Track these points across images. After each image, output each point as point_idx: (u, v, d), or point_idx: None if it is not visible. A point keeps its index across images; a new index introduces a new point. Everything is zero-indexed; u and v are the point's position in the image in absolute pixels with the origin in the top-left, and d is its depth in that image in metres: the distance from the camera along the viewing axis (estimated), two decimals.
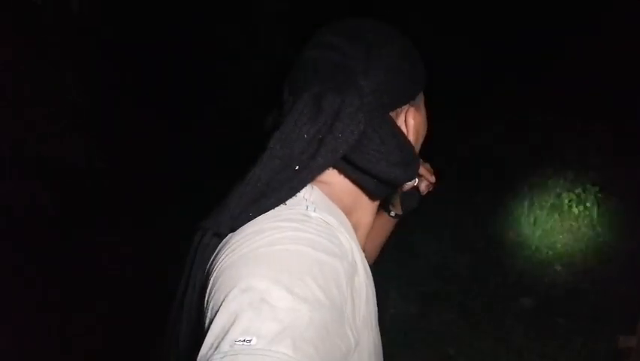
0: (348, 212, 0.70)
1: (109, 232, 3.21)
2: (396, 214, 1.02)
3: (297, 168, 0.63)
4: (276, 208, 0.63)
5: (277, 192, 0.63)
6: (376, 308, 0.69)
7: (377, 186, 0.69)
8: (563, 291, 3.36)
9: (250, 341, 0.47)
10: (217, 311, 0.51)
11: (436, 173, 1.01)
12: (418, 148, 0.75)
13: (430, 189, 1.03)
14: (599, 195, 3.95)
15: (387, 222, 1.03)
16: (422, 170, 0.97)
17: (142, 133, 3.60)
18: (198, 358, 0.49)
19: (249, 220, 0.62)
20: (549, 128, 4.27)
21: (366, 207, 0.74)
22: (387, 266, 3.57)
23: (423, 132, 0.76)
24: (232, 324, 0.49)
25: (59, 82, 2.66)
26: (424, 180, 1.00)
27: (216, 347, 0.48)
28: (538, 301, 3.28)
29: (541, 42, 4.16)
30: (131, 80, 3.44)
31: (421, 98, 0.74)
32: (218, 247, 0.62)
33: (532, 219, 4.06)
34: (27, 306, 2.68)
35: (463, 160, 4.44)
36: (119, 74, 3.27)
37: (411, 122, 0.70)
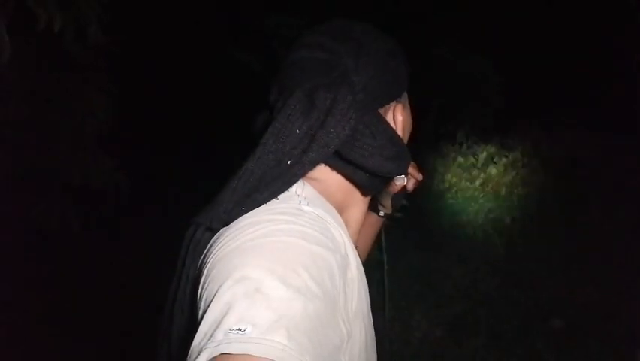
0: (339, 209, 0.71)
1: (130, 250, 3.26)
2: (385, 214, 1.04)
3: (289, 162, 0.64)
4: (269, 202, 0.63)
5: (270, 186, 0.63)
6: (369, 304, 0.69)
7: (370, 180, 0.70)
8: (596, 312, 3.23)
9: (245, 329, 0.46)
10: (211, 301, 0.51)
11: (421, 170, 1.02)
12: (405, 141, 0.76)
13: (416, 186, 1.04)
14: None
15: (376, 222, 1.05)
16: (410, 169, 0.98)
17: (165, 154, 3.67)
18: (192, 347, 0.48)
19: (242, 214, 0.62)
20: None
21: (358, 203, 0.75)
22: (414, 288, 3.53)
23: (409, 129, 0.78)
24: (226, 313, 0.48)
25: (83, 107, 2.73)
26: (411, 179, 1.01)
27: (210, 336, 0.47)
28: (570, 323, 3.16)
29: None
30: (152, 103, 3.52)
31: (405, 97, 0.77)
32: (211, 241, 0.61)
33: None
34: (60, 311, 2.78)
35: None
36: (141, 98, 3.35)
37: (399, 118, 0.72)
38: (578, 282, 3.49)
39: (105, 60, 2.72)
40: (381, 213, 1.04)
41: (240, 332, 0.46)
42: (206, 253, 0.61)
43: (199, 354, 0.47)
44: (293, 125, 0.63)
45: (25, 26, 1.83)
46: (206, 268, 0.57)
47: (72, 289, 3.03)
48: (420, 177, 1.01)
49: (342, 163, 0.68)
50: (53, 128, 2.66)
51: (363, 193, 0.75)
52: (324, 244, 0.59)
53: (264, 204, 0.63)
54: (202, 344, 0.47)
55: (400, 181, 0.87)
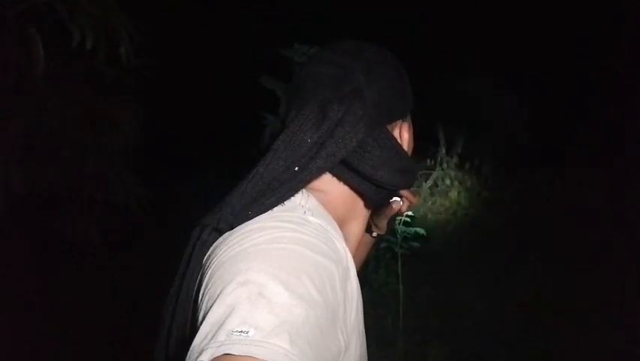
0: (340, 222, 0.72)
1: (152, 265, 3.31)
2: (377, 234, 1.04)
3: (296, 169, 0.66)
4: (276, 210, 0.64)
5: (277, 191, 0.65)
6: (363, 319, 0.69)
7: (377, 192, 0.72)
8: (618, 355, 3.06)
9: (247, 332, 0.47)
10: (213, 303, 0.51)
11: (414, 193, 1.03)
12: None
13: (408, 209, 1.03)
14: None
15: (369, 243, 1.05)
16: (405, 191, 0.98)
17: (190, 174, 3.75)
18: (192, 346, 0.48)
19: (248, 219, 0.63)
20: None
21: (358, 218, 0.76)
22: (430, 322, 3.43)
23: (410, 149, 0.79)
24: (229, 315, 0.49)
25: (111, 125, 2.83)
26: (406, 201, 1.01)
27: (212, 337, 0.47)
28: None
29: None
30: (179, 125, 3.63)
31: (409, 117, 0.79)
32: (216, 243, 0.62)
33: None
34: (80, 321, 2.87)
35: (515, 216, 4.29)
36: (169, 119, 3.46)
37: (405, 136, 0.75)
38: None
39: (134, 80, 2.83)
40: (374, 234, 1.04)
41: (242, 333, 0.47)
42: (210, 255, 0.62)
43: (200, 353, 0.47)
44: (305, 135, 0.66)
45: (60, 43, 1.94)
46: (210, 271, 0.57)
47: (92, 300, 3.09)
48: (414, 200, 1.02)
49: (350, 174, 0.70)
50: (81, 144, 2.76)
51: (366, 206, 0.76)
52: (328, 254, 0.60)
53: (270, 212, 0.64)
54: (203, 344, 0.48)
55: (396, 204, 0.90)
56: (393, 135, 0.72)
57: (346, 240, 0.72)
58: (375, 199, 0.74)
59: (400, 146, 0.72)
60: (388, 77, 0.72)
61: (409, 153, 0.79)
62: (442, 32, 4.30)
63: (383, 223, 1.01)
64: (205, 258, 0.63)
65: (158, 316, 0.71)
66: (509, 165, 4.70)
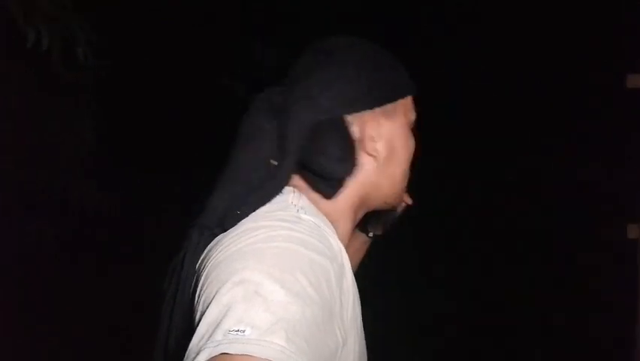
0: (331, 221, 0.71)
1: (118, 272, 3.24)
2: (373, 235, 1.04)
3: (271, 161, 0.68)
4: (269, 209, 0.65)
5: (261, 188, 0.67)
6: (361, 315, 0.70)
7: (325, 184, 0.72)
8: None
9: (244, 331, 0.47)
10: (209, 304, 0.52)
11: (411, 195, 1.02)
12: (396, 160, 0.76)
13: (404, 210, 1.04)
14: None
15: (364, 244, 1.05)
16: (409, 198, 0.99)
17: (148, 176, 3.68)
18: (189, 348, 0.49)
19: (239, 218, 0.64)
20: None
21: (345, 215, 0.74)
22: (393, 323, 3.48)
23: (400, 144, 0.76)
24: (225, 315, 0.49)
25: (67, 128, 2.76)
26: (401, 203, 1.00)
27: (209, 337, 0.48)
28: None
29: None
30: (137, 125, 3.55)
31: (397, 111, 0.76)
32: (211, 245, 0.63)
33: None
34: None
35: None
36: (127, 120, 3.39)
37: (366, 128, 0.72)
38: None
39: (91, 81, 2.76)
40: (370, 235, 1.04)
41: (239, 332, 0.47)
42: (205, 256, 0.62)
43: (197, 354, 0.47)
44: (262, 125, 0.70)
45: (13, 44, 1.88)
46: (206, 271, 0.58)
47: (49, 310, 2.98)
48: (409, 201, 1.01)
49: (302, 168, 0.72)
50: (35, 149, 2.67)
51: (352, 205, 0.75)
52: (322, 251, 0.60)
53: (263, 211, 0.64)
54: (200, 344, 0.48)
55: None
56: (346, 127, 0.71)
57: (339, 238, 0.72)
58: (325, 191, 0.72)
59: (349, 135, 0.71)
60: (351, 66, 0.72)
61: (393, 148, 0.75)
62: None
63: (380, 225, 1.01)
64: (200, 259, 0.64)
65: (155, 319, 0.70)
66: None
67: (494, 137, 3.81)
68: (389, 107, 0.74)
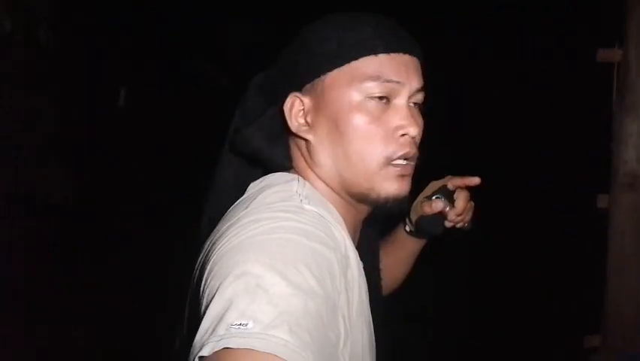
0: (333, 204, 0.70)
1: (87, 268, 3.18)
2: (411, 230, 0.95)
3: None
4: (272, 200, 0.63)
5: (231, 177, 0.74)
6: (369, 306, 0.68)
7: (267, 168, 0.72)
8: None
9: (247, 324, 0.47)
10: (212, 298, 0.51)
11: (474, 212, 0.94)
12: (345, 139, 0.66)
13: (461, 226, 0.94)
14: None
15: (411, 254, 0.98)
16: (462, 203, 0.90)
17: (120, 165, 3.60)
18: (194, 342, 0.49)
19: (233, 202, 0.68)
20: None
21: (330, 198, 0.70)
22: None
23: (344, 119, 0.66)
24: (227, 309, 0.49)
25: (28, 114, 2.67)
26: (452, 211, 0.90)
27: (212, 331, 0.48)
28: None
29: None
30: (106, 111, 3.47)
31: (333, 84, 0.66)
32: (214, 239, 0.63)
33: None
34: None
35: None
36: (94, 106, 3.30)
37: (292, 104, 0.68)
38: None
39: (53, 65, 2.66)
40: (407, 228, 0.95)
41: (241, 327, 0.47)
42: (209, 251, 0.62)
43: (201, 348, 0.47)
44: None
45: None
46: (209, 266, 0.57)
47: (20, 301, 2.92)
48: (465, 218, 0.92)
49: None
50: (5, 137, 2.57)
51: (337, 186, 0.70)
52: (325, 242, 0.59)
53: (265, 202, 0.63)
54: (204, 339, 0.48)
55: (436, 203, 0.87)
56: (282, 105, 0.68)
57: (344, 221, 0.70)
58: (271, 171, 0.71)
59: (282, 116, 0.69)
60: (300, 41, 0.69)
61: (336, 121, 0.67)
62: None
63: (413, 218, 0.92)
64: (204, 253, 0.64)
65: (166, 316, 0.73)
66: None
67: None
68: (316, 83, 0.67)
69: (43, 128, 2.91)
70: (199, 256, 0.66)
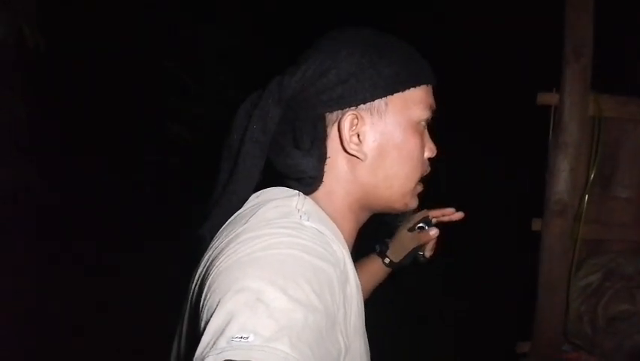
0: (334, 220, 0.71)
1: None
2: (390, 263, 1.03)
3: (235, 161, 0.70)
4: (272, 216, 0.63)
5: (237, 187, 0.69)
6: (364, 320, 0.70)
7: (298, 185, 0.71)
8: None
9: (248, 337, 0.47)
10: (213, 313, 0.51)
11: (437, 241, 1.03)
12: (391, 162, 0.70)
13: (433, 252, 1.04)
14: None
15: (380, 270, 1.04)
16: (430, 237, 1.00)
17: (87, 163, 3.58)
18: (194, 358, 0.49)
19: (226, 219, 0.69)
20: None
21: (341, 214, 0.72)
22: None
23: (396, 144, 0.70)
24: (228, 323, 0.49)
25: (5, 107, 2.64)
26: (427, 247, 1.03)
27: (213, 345, 0.47)
28: None
29: None
30: (76, 107, 3.44)
31: (388, 107, 0.69)
32: (214, 254, 0.63)
33: None
34: None
35: None
36: (65, 102, 3.27)
37: (345, 125, 0.68)
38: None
39: (26, 61, 2.66)
40: (387, 261, 1.02)
41: (242, 339, 0.47)
42: (208, 266, 0.62)
43: None
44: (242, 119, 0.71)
45: None
46: (208, 282, 0.57)
47: None
48: (429, 252, 1.02)
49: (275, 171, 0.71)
50: None
51: (348, 202, 0.72)
52: (325, 257, 0.59)
53: (266, 219, 0.63)
54: (205, 352, 0.47)
55: (433, 231, 0.97)
56: (322, 122, 0.69)
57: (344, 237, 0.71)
58: (303, 190, 0.71)
59: (324, 135, 0.69)
60: (331, 61, 0.67)
61: (383, 149, 0.70)
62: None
63: (399, 252, 1.01)
64: (203, 269, 0.64)
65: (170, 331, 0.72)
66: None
67: None
68: (377, 104, 0.68)
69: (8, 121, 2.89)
70: (197, 271, 0.66)
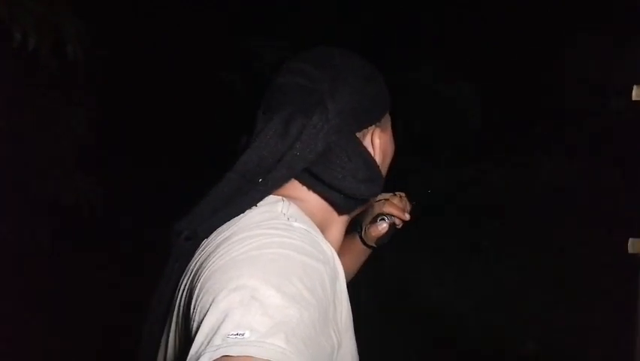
0: (320, 228, 0.72)
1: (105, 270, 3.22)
2: (370, 246, 1.08)
3: (258, 180, 0.68)
4: (260, 218, 0.65)
5: (239, 203, 0.67)
6: (352, 317, 0.70)
7: (345, 201, 0.73)
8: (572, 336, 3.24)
9: (243, 334, 0.47)
10: (206, 312, 0.51)
11: (411, 209, 1.08)
12: (385, 167, 0.79)
13: (403, 225, 1.08)
14: None
15: (362, 252, 1.09)
16: (395, 210, 1.04)
17: (147, 175, 3.65)
18: (189, 356, 0.49)
19: (218, 224, 0.66)
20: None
21: (336, 224, 0.77)
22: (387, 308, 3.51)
23: (390, 152, 0.80)
24: (223, 321, 0.49)
25: (60, 123, 2.71)
26: (395, 219, 1.05)
27: (208, 343, 0.48)
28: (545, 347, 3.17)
29: None
30: (133, 121, 3.51)
31: (387, 120, 0.79)
32: (202, 257, 0.63)
33: None
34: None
35: None
36: (122, 115, 3.34)
37: (377, 142, 0.75)
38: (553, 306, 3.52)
39: (84, 75, 2.70)
40: (369, 244, 1.08)
41: (238, 336, 0.47)
42: (197, 269, 0.62)
43: (197, 359, 0.47)
44: (267, 150, 0.68)
45: (1, 39, 1.82)
46: (200, 282, 0.58)
47: (41, 307, 2.96)
48: (406, 217, 1.05)
49: (318, 183, 0.71)
50: (28, 144, 2.63)
51: (339, 213, 0.77)
52: (315, 256, 0.61)
53: (255, 221, 0.64)
54: (200, 351, 0.48)
55: (382, 226, 1.02)
56: (361, 143, 0.73)
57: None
58: (344, 207, 0.74)
59: (369, 154, 0.73)
60: (356, 85, 0.72)
61: (387, 158, 0.79)
62: (392, 20, 4.33)
63: (372, 237, 1.06)
64: (191, 273, 0.64)
65: (140, 327, 0.71)
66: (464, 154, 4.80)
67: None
68: (383, 118, 0.77)
69: (69, 134, 2.95)
70: (185, 276, 0.65)
